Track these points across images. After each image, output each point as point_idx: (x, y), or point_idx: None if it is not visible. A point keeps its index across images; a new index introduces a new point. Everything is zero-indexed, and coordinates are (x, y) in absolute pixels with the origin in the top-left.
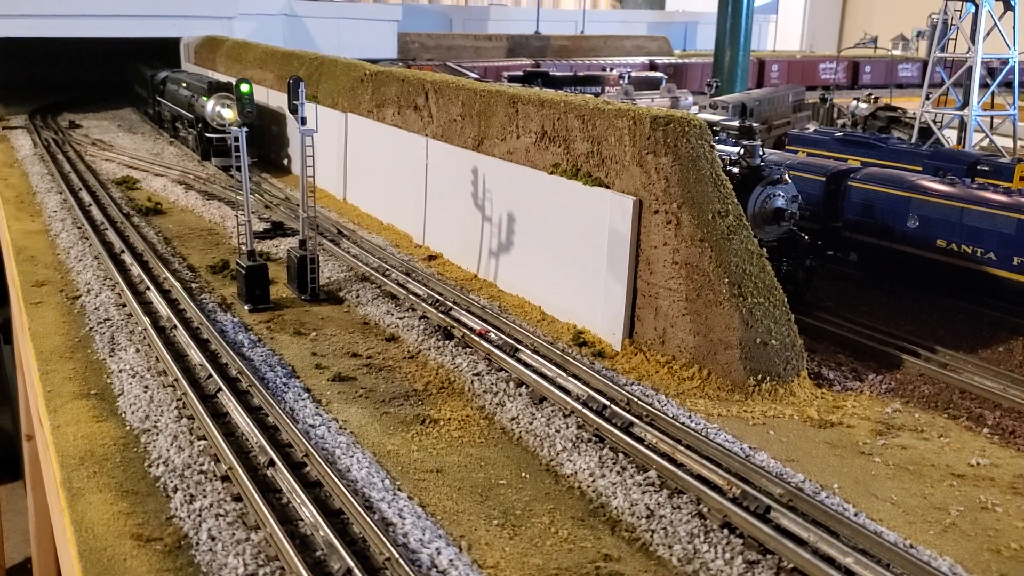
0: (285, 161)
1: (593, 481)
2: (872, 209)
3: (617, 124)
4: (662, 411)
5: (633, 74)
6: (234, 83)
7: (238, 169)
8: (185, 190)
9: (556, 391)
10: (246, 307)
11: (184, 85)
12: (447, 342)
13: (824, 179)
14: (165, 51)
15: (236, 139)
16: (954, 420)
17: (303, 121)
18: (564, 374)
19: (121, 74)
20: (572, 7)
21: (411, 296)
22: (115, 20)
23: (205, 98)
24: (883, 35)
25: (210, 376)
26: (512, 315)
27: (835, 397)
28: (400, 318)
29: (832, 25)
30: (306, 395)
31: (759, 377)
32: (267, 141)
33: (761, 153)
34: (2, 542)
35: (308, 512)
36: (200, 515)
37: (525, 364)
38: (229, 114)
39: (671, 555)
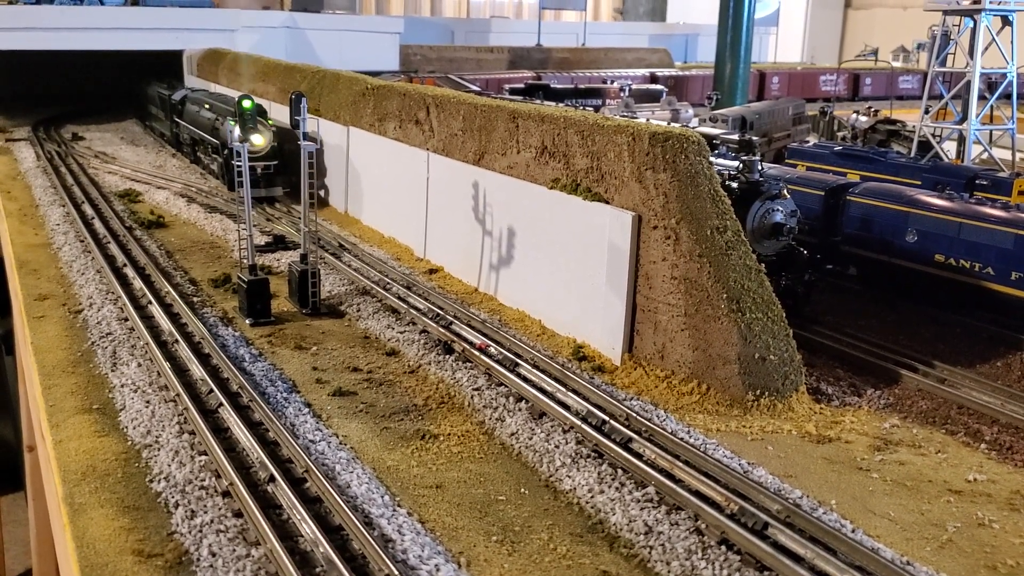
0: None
1: (592, 497)
2: (871, 224)
3: (616, 140)
4: (661, 426)
5: (634, 86)
6: (237, 99)
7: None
8: (187, 203)
9: (555, 406)
10: (247, 321)
11: (207, 106)
12: (447, 356)
13: (823, 193)
14: (168, 64)
15: (238, 154)
16: (952, 435)
17: (304, 136)
18: (564, 389)
19: (124, 87)
20: (574, 19)
21: (412, 310)
22: (118, 33)
23: (232, 121)
24: (884, 47)
25: (211, 391)
26: (512, 329)
27: (833, 412)
28: (401, 332)
29: (833, 37)
30: (306, 410)
31: (757, 392)
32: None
33: (760, 168)
34: (3, 553)
35: (308, 528)
36: (201, 531)
37: (525, 379)
38: (260, 140)
39: (669, 571)
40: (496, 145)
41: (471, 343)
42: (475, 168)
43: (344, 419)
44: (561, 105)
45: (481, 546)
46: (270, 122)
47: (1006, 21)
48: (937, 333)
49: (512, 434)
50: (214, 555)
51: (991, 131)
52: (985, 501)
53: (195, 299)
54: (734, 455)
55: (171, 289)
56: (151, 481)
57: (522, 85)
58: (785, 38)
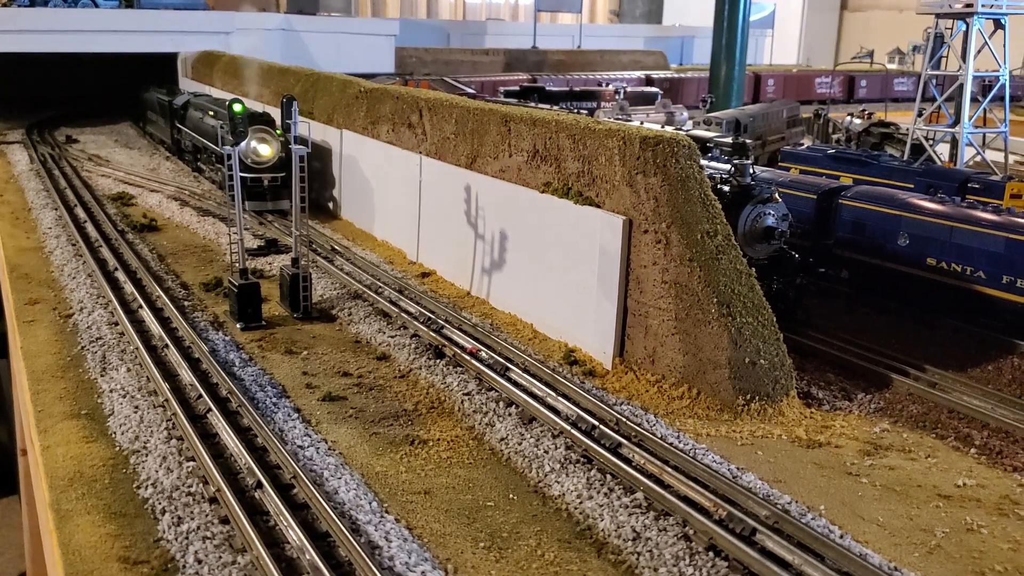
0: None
1: (580, 503)
2: (863, 227)
3: (607, 144)
4: (651, 431)
5: (629, 89)
6: (227, 103)
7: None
8: (180, 206)
9: (545, 411)
10: (238, 325)
11: (211, 113)
12: (438, 361)
13: (815, 197)
14: (163, 66)
15: (229, 156)
16: (942, 440)
17: (296, 139)
18: (554, 393)
19: (119, 89)
20: (569, 21)
21: (403, 314)
22: (113, 35)
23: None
24: (879, 50)
25: (200, 396)
26: (504, 333)
27: (824, 417)
28: (392, 336)
29: (829, 39)
30: (296, 415)
31: (748, 397)
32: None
33: (752, 171)
34: None
35: (294, 535)
36: (187, 537)
37: (515, 384)
38: (266, 150)
39: None
40: (488, 149)
41: (462, 347)
42: (467, 172)
43: (333, 424)
44: (556, 108)
45: (468, 552)
46: (278, 132)
47: (998, 24)
48: (928, 337)
49: (502, 439)
50: (200, 562)
51: (984, 134)
52: (974, 506)
53: (186, 303)
54: (723, 460)
55: (162, 293)
56: (138, 487)
57: (517, 88)
58: (781, 40)
